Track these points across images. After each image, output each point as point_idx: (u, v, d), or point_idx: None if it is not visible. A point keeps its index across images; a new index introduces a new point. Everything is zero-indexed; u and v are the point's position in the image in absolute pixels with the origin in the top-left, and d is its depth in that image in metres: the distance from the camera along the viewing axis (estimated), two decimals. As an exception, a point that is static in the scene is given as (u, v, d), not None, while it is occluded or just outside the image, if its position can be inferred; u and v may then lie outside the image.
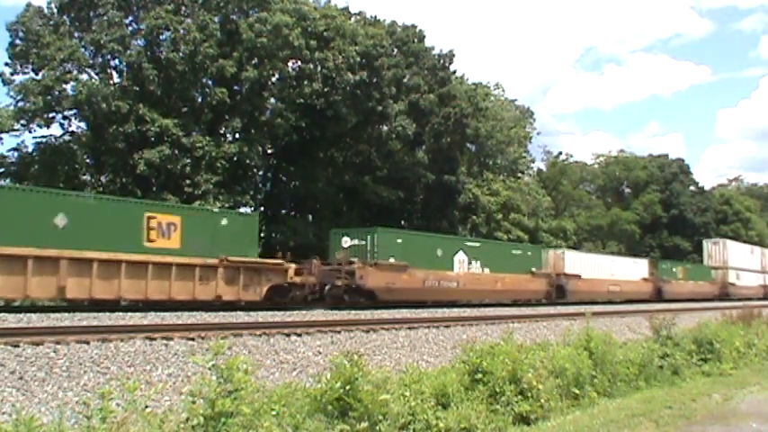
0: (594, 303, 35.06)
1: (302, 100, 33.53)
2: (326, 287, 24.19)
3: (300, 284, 23.03)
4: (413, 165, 38.83)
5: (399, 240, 26.38)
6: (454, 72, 43.25)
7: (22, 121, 31.12)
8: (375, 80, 35.15)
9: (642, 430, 8.79)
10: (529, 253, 33.97)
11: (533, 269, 32.92)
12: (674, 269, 46.25)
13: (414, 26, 40.09)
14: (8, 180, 31.73)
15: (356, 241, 25.46)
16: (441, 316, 20.55)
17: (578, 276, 36.04)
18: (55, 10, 31.71)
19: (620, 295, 39.85)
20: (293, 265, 23.04)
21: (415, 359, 13.60)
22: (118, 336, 11.71)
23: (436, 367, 11.32)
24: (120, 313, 16.31)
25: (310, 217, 38.30)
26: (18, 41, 30.64)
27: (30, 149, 32.18)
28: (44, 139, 32.43)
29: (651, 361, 13.08)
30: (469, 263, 28.96)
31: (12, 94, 30.34)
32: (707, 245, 57.40)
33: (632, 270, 42.20)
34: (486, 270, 29.75)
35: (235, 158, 31.64)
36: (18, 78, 30.69)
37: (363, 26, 37.42)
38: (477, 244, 31.07)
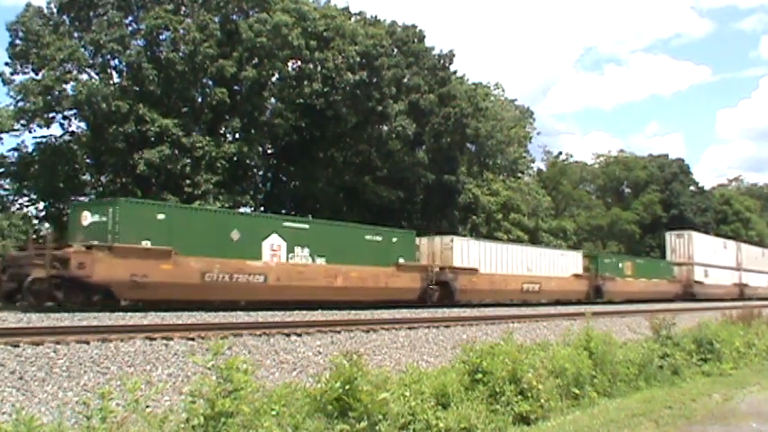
0: (500, 306, 30.05)
1: (302, 100, 33.56)
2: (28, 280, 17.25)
3: None
4: (413, 165, 38.84)
5: (161, 216, 19.21)
6: (454, 72, 43.28)
7: (22, 121, 31.15)
8: (375, 80, 35.17)
9: (642, 430, 8.79)
10: (394, 239, 26.06)
11: (401, 260, 25.86)
12: (620, 264, 40.50)
13: (414, 26, 40.13)
14: (8, 180, 31.74)
15: (97, 217, 18.70)
16: (441, 316, 20.58)
17: (473, 271, 29.04)
18: (55, 10, 31.74)
19: (540, 295, 33.57)
20: None
21: (415, 359, 13.60)
22: (118, 336, 11.70)
23: (436, 367, 11.32)
24: (120, 313, 16.31)
25: (310, 217, 38.35)
26: (18, 41, 30.67)
27: (30, 149, 32.24)
28: (44, 139, 32.51)
29: (651, 361, 13.07)
30: (290, 251, 22.20)
31: (12, 94, 30.40)
32: (669, 238, 50.32)
33: (559, 264, 35.15)
34: (321, 260, 22.85)
35: (235, 158, 31.66)
36: (18, 78, 30.77)
37: (363, 26, 37.44)
38: (306, 225, 23.81)
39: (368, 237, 25.21)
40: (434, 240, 29.22)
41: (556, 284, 34.43)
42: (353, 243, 24.39)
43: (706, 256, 49.13)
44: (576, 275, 36.27)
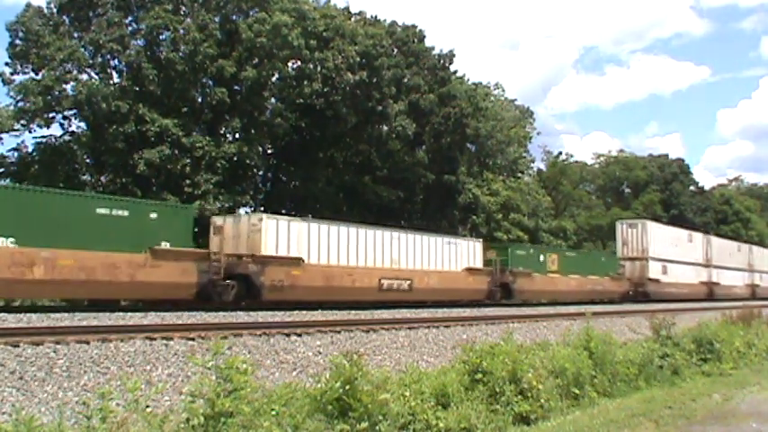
0: (344, 308, 21.82)
1: (302, 100, 33.55)
2: None
3: None
4: (413, 165, 38.84)
5: None
6: (454, 72, 43.29)
7: (22, 121, 31.14)
8: (375, 80, 35.16)
9: (642, 430, 8.79)
10: (153, 215, 18.81)
11: (165, 245, 18.77)
12: (541, 257, 33.05)
13: (414, 26, 40.13)
14: (8, 180, 31.73)
15: None
16: (441, 316, 20.56)
17: (295, 261, 22.02)
18: (54, 10, 31.72)
19: (412, 294, 26.15)
20: None
21: (415, 359, 13.59)
22: (118, 336, 11.70)
23: (436, 367, 11.32)
24: (120, 313, 16.30)
25: (310, 217, 38.34)
26: (18, 41, 30.66)
27: (30, 149, 32.22)
28: (44, 139, 32.49)
29: (651, 361, 13.08)
30: None
31: (12, 94, 30.38)
32: (620, 228, 42.69)
33: (445, 256, 28.03)
34: (6, 241, 15.96)
35: (235, 158, 31.65)
36: (18, 78, 30.75)
37: (363, 26, 37.44)
38: None
39: (101, 210, 17.71)
40: (241, 220, 22.50)
41: (438, 281, 27.27)
42: (76, 218, 17.10)
43: (664, 249, 42.29)
44: (472, 270, 29.04)
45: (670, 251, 42.87)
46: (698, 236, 48.99)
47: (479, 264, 29.82)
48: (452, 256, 28.54)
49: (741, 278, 53.44)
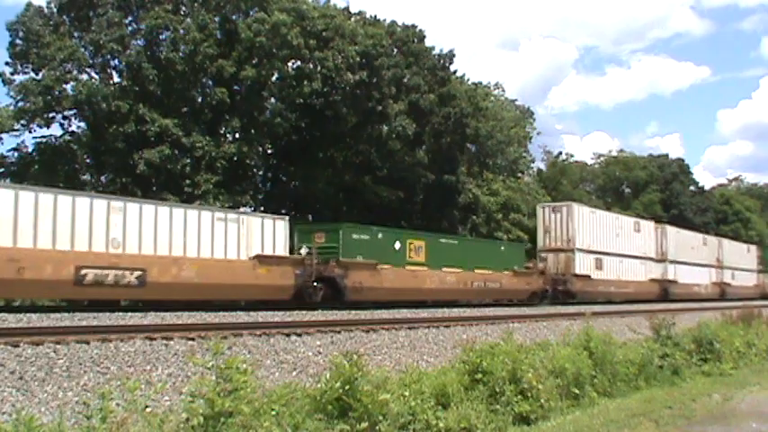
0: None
1: (302, 100, 33.52)
2: None
3: None
4: (413, 165, 38.82)
5: None
6: (454, 72, 43.27)
7: (22, 121, 31.14)
8: (375, 80, 35.13)
9: (642, 430, 8.79)
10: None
11: None
12: (395, 244, 25.54)
13: (414, 26, 40.10)
14: (8, 180, 31.74)
15: None
16: (441, 316, 20.56)
17: None
18: (55, 10, 31.72)
19: (146, 291, 18.67)
20: None
21: (415, 359, 13.59)
22: (118, 336, 11.70)
23: (436, 367, 11.32)
24: (120, 313, 16.30)
25: (310, 217, 38.31)
26: (18, 41, 30.67)
27: (30, 149, 32.23)
28: (44, 139, 32.49)
29: (651, 361, 13.09)
30: None
31: (12, 94, 30.40)
32: (542, 212, 34.91)
33: (218, 238, 20.44)
34: None
35: (235, 158, 31.64)
36: (18, 78, 30.75)
37: (363, 26, 37.40)
38: None
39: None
40: None
41: (199, 273, 19.53)
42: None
43: (599, 239, 35.23)
44: (265, 259, 21.32)
45: (607, 242, 35.98)
46: (648, 225, 41.68)
47: (283, 250, 22.31)
48: (232, 239, 20.82)
49: (707, 276, 47.23)
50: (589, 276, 33.91)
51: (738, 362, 15.49)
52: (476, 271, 28.71)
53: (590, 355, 11.65)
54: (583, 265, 33.75)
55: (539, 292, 32.02)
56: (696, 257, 45.31)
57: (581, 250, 33.73)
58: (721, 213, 78.89)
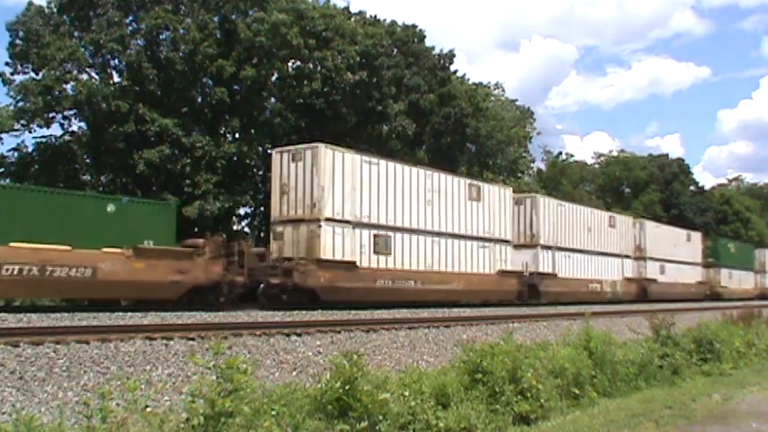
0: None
1: (302, 100, 33.52)
2: None
3: None
4: (413, 165, 38.78)
5: None
6: (454, 72, 43.27)
7: (22, 121, 31.15)
8: (375, 80, 35.13)
9: (642, 430, 8.79)
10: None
11: None
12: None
13: (414, 26, 40.09)
14: (8, 180, 31.74)
15: None
16: (441, 316, 20.53)
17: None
18: (55, 10, 31.72)
19: None
20: None
21: (415, 359, 13.59)
22: (118, 336, 11.70)
23: (436, 367, 11.32)
24: (120, 313, 16.30)
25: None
26: (18, 41, 30.67)
27: (30, 149, 32.22)
28: (44, 139, 32.48)
29: (651, 361, 13.10)
30: None
31: (12, 94, 30.40)
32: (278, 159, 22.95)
33: None
34: None
35: (235, 158, 31.64)
36: (18, 78, 30.76)
37: (363, 26, 37.40)
38: None
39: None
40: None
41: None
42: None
43: (567, 234, 31.87)
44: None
45: (578, 238, 32.99)
46: (624, 219, 38.11)
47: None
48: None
49: (693, 274, 45.21)
50: (555, 275, 30.75)
51: (738, 362, 15.50)
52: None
53: (590, 355, 11.66)
54: (547, 262, 30.68)
55: (514, 292, 28.77)
56: (679, 255, 43.28)
57: (546, 247, 30.62)
58: (721, 213, 78.85)
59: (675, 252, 42.69)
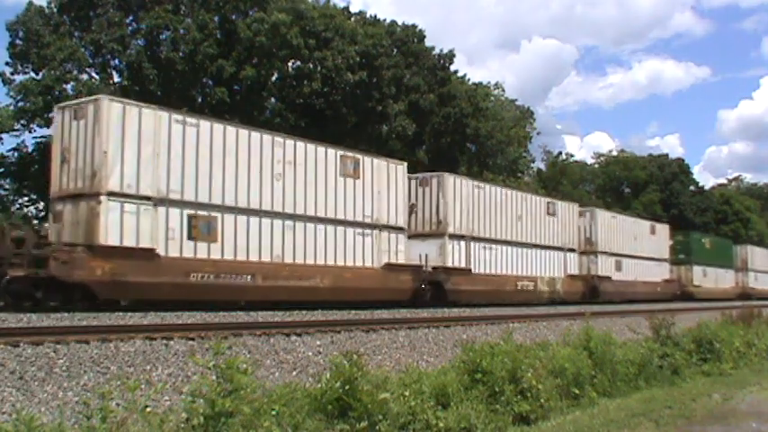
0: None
1: (302, 100, 33.56)
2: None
3: None
4: (413, 165, 38.83)
5: None
6: (454, 72, 43.29)
7: (22, 121, 31.21)
8: (375, 80, 35.15)
9: (642, 430, 8.79)
10: None
11: None
12: None
13: (414, 26, 40.14)
14: (8, 180, 31.77)
15: None
16: (441, 316, 20.53)
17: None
18: (55, 10, 31.75)
19: None
20: None
21: (415, 359, 13.59)
22: (118, 336, 11.69)
23: (436, 367, 11.31)
24: (120, 313, 16.28)
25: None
26: (18, 41, 30.71)
27: (30, 149, 32.26)
28: (44, 139, 32.47)
29: (651, 361, 13.08)
30: None
31: (12, 94, 30.45)
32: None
33: None
34: None
35: (235, 158, 31.64)
36: (18, 78, 30.81)
37: (363, 26, 37.42)
38: None
39: None
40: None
41: None
42: None
43: (483, 222, 26.31)
44: None
45: (499, 227, 27.18)
46: (565, 206, 32.90)
47: None
48: None
49: (659, 271, 40.35)
50: (469, 270, 25.44)
51: (738, 362, 15.48)
52: None
53: (590, 354, 11.65)
54: (459, 255, 25.19)
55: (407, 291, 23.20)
56: (641, 249, 38.03)
57: (456, 236, 25.02)
58: (721, 213, 78.88)
59: (636, 246, 37.50)
